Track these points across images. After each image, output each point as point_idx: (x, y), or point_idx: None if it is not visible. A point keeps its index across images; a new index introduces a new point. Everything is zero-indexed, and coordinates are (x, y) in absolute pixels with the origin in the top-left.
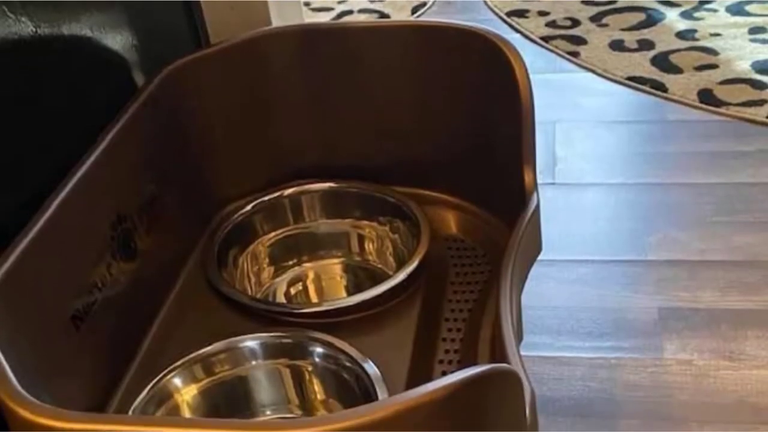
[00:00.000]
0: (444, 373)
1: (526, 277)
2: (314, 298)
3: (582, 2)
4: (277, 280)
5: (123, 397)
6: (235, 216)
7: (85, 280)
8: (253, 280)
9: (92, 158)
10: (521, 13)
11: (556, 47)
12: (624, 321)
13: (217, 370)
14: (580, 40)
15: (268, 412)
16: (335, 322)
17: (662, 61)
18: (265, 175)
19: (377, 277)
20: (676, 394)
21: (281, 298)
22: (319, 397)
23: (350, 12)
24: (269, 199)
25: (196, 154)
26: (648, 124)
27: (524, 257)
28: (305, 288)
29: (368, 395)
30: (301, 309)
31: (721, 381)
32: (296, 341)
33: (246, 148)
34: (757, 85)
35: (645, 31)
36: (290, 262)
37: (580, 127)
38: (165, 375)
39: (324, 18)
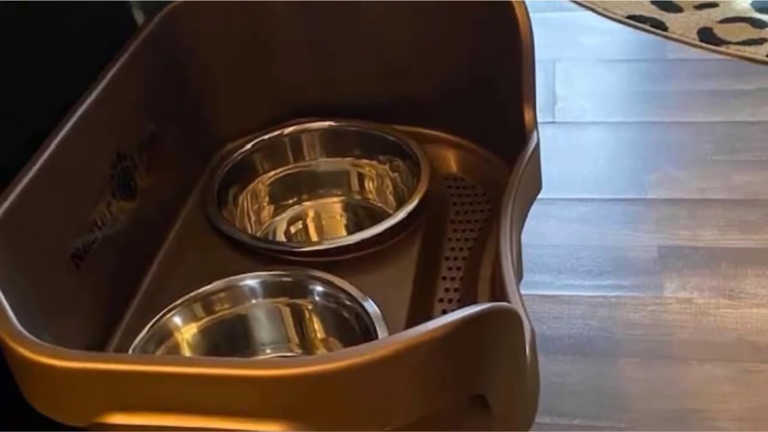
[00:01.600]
0: (444, 312)
1: (526, 216)
2: (314, 237)
3: None
4: (277, 218)
5: (123, 336)
6: (235, 155)
7: (85, 218)
8: (253, 218)
9: (92, 97)
10: None
11: None
12: (624, 259)
13: (217, 308)
14: None
15: (268, 351)
16: (335, 260)
17: (662, 0)
18: (265, 114)
19: (377, 216)
20: (676, 332)
21: (281, 237)
22: (319, 335)
23: None
24: (269, 138)
25: (196, 93)
26: (648, 62)
27: (524, 196)
28: (305, 226)
29: (368, 334)
30: (301, 247)
31: (721, 319)
32: (296, 280)
33: (246, 87)
34: (757, 23)
35: None
36: (290, 201)
37: (580, 65)
38: (165, 314)
39: None
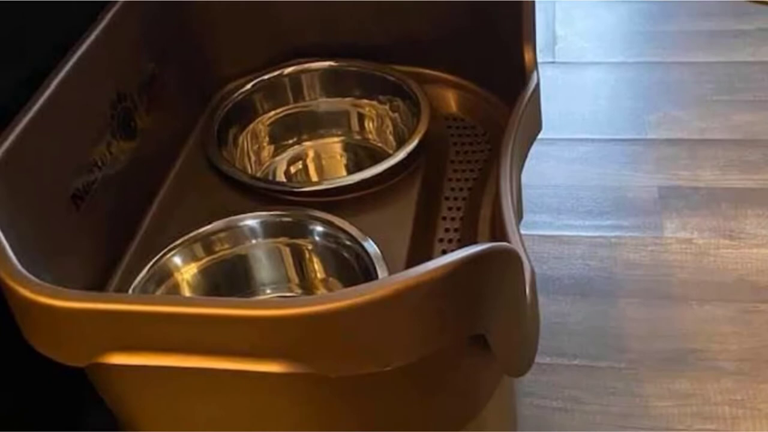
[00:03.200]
0: (444, 252)
1: (526, 156)
2: (314, 177)
3: None
4: (277, 158)
5: (123, 276)
6: (235, 95)
7: (85, 158)
8: (253, 158)
9: (92, 37)
10: None
11: None
12: (624, 199)
13: (217, 248)
14: None
15: (268, 291)
16: (335, 200)
17: None
18: (265, 54)
19: (377, 156)
20: (676, 272)
21: (281, 177)
22: (319, 275)
23: None
24: (269, 78)
25: (196, 33)
26: (648, 2)
27: (524, 136)
28: (305, 167)
29: (368, 274)
30: (301, 188)
31: (721, 259)
32: (296, 220)
33: (246, 27)
34: None
35: None
36: (290, 141)
37: (580, 5)
38: (165, 254)
39: None
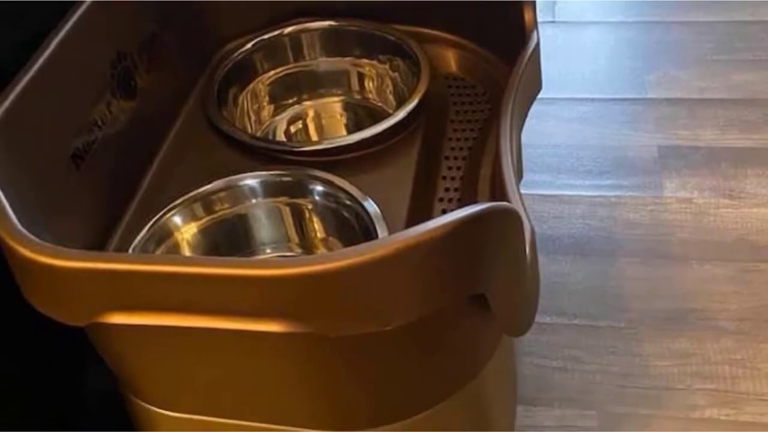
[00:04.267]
0: (444, 212)
1: (526, 116)
2: (314, 137)
3: None
4: (277, 118)
5: (123, 236)
6: (235, 54)
7: (85, 118)
8: (253, 118)
9: None
10: None
11: None
12: (624, 159)
13: (217, 208)
14: None
15: (268, 251)
16: (335, 160)
17: None
18: (265, 14)
19: (377, 116)
20: (676, 232)
21: (281, 137)
22: (319, 235)
23: None
24: (269, 38)
25: None
26: None
27: (524, 95)
28: (305, 126)
29: (368, 233)
30: (301, 147)
31: (720, 219)
32: (296, 179)
33: None
34: None
35: None
36: (290, 101)
37: None
38: (165, 213)
39: None
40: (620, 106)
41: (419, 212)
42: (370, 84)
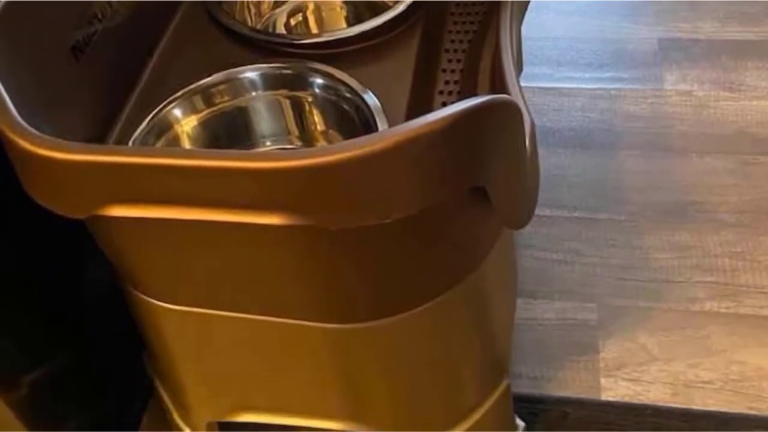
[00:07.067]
0: (444, 104)
1: (526, 8)
2: (314, 29)
3: None
4: (277, 11)
5: (123, 129)
6: None
7: (85, 10)
8: (252, 11)
9: None
10: None
11: None
12: (624, 52)
13: (217, 101)
14: None
15: (268, 143)
16: (335, 53)
17: None
18: None
19: (377, 8)
20: (676, 124)
21: (281, 29)
22: (319, 128)
23: None
24: None
25: None
26: None
27: None
28: (305, 19)
29: (368, 126)
30: (301, 40)
31: (721, 112)
32: (296, 72)
33: None
34: None
35: None
36: None
37: None
38: (165, 106)
39: None
40: None
41: (419, 105)
42: None
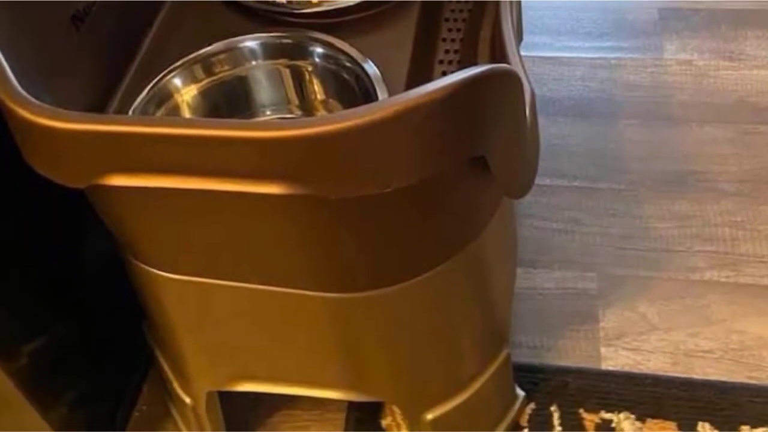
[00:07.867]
0: (444, 74)
1: None
2: None
3: None
4: None
5: (123, 98)
6: None
7: None
8: None
9: None
10: None
11: None
12: (624, 21)
13: (217, 70)
14: None
15: (268, 113)
16: (335, 22)
17: None
18: None
19: None
20: (676, 93)
21: None
22: (319, 97)
23: None
24: None
25: None
26: None
27: None
28: None
29: (368, 96)
30: (302, 9)
31: (721, 81)
32: (296, 41)
33: None
34: None
35: None
36: None
37: None
38: (165, 75)
39: None
40: None
41: (419, 74)
42: None
